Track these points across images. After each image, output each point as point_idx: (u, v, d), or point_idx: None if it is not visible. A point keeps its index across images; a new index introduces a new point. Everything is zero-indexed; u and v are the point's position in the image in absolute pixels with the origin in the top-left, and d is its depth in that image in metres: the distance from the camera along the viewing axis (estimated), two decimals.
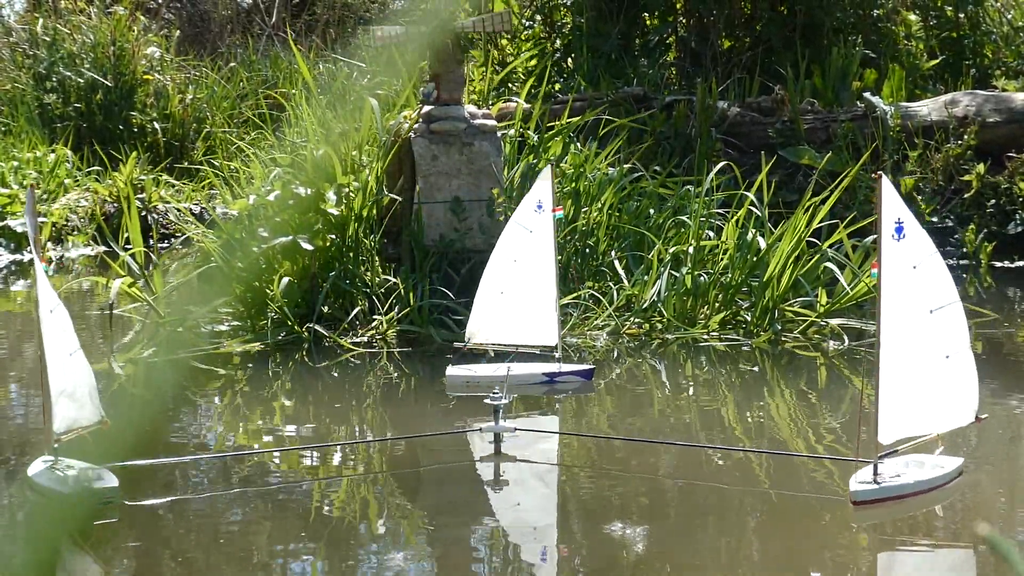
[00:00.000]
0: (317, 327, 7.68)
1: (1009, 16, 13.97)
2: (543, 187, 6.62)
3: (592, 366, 6.78)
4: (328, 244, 8.01)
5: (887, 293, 4.75)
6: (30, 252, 12.12)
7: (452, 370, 6.74)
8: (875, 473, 4.79)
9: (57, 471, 4.90)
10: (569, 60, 13.81)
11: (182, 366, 7.30)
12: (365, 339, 7.74)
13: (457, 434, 5.85)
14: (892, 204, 4.76)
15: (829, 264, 8.25)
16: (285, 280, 7.77)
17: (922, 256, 4.82)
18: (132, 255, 8.89)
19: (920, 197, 10.93)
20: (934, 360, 4.82)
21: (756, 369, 7.32)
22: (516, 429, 5.69)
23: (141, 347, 7.73)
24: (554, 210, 6.54)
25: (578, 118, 9.71)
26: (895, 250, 4.77)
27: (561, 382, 6.63)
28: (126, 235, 10.28)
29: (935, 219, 10.95)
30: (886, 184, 4.75)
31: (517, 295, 6.63)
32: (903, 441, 4.88)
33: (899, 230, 4.77)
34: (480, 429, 5.62)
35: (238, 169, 9.90)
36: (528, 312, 6.63)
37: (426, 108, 8.18)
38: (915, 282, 4.80)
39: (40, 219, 12.50)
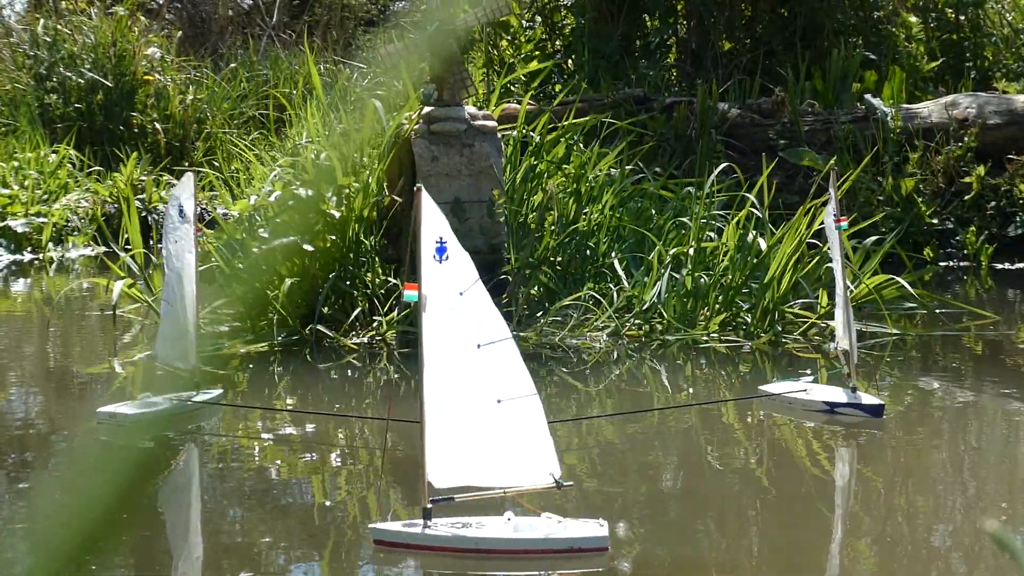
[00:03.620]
0: (320, 327, 7.67)
1: (1009, 18, 13.97)
2: (832, 194, 6.32)
3: (881, 402, 6.09)
4: (328, 245, 8.01)
5: (431, 320, 4.21)
6: (30, 252, 12.15)
7: (764, 387, 6.46)
8: (425, 517, 4.27)
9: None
10: (570, 61, 13.81)
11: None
12: (366, 340, 7.74)
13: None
14: (433, 221, 4.23)
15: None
16: (288, 282, 7.76)
17: (467, 282, 4.23)
18: (132, 256, 8.90)
19: (920, 199, 10.93)
20: (484, 403, 4.24)
21: (758, 372, 7.32)
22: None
23: (141, 348, 7.72)
24: (838, 221, 6.18)
25: (581, 120, 9.71)
26: (438, 273, 4.21)
27: (842, 413, 6.11)
28: (126, 236, 10.27)
29: (935, 221, 10.96)
30: (426, 199, 4.24)
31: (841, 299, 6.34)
32: (467, 489, 4.31)
33: (441, 250, 4.20)
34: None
35: (238, 170, 9.91)
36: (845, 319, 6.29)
37: (426, 109, 8.17)
38: (462, 311, 4.23)
39: (40, 219, 12.51)
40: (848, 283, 6.28)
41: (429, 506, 4.28)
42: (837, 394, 6.16)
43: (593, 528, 4.29)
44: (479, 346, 4.23)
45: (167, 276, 6.11)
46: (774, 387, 6.40)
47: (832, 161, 6.77)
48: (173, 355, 6.15)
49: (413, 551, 4.29)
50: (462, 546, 4.25)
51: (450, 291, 4.21)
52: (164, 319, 6.22)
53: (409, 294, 4.22)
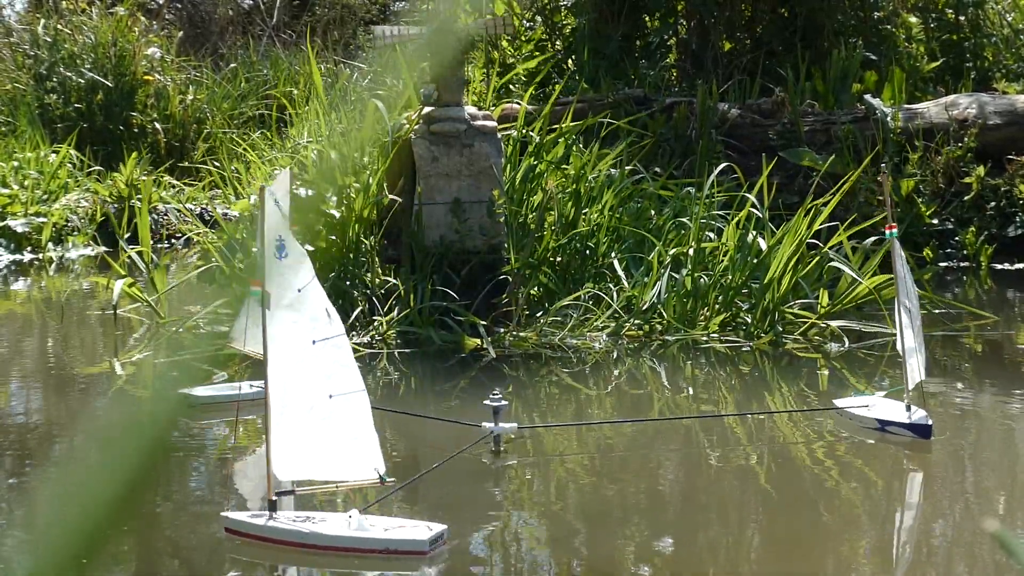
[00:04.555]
0: None
1: (1009, 19, 13.97)
2: (887, 200, 6.06)
3: (929, 423, 5.72)
4: (328, 245, 8.02)
5: (273, 316, 4.33)
6: (30, 252, 12.15)
7: (836, 400, 6.26)
8: (270, 509, 4.43)
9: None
10: (570, 61, 13.81)
11: (182, 367, 7.29)
12: (366, 339, 7.74)
13: (455, 425, 5.84)
14: (273, 220, 4.32)
15: (836, 264, 8.24)
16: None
17: (305, 279, 4.34)
18: (140, 254, 8.94)
19: (920, 199, 10.93)
20: (318, 398, 4.37)
21: (756, 372, 7.32)
22: (520, 427, 5.71)
23: (142, 348, 7.73)
24: (887, 228, 5.93)
25: (580, 121, 9.70)
26: (279, 270, 4.32)
27: (891, 431, 5.82)
28: (127, 235, 10.27)
29: (935, 221, 10.96)
30: (267, 198, 4.32)
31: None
32: (308, 483, 4.49)
33: (280, 248, 4.31)
34: (481, 426, 5.63)
35: (238, 170, 9.91)
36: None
37: (426, 109, 8.18)
38: (300, 307, 4.35)
39: (40, 219, 12.51)
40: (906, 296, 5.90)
41: (274, 498, 4.43)
42: (891, 411, 5.87)
43: (419, 531, 4.38)
44: (314, 342, 4.36)
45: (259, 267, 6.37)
46: (843, 401, 6.20)
47: (884, 166, 6.67)
48: (256, 341, 6.40)
49: (256, 541, 4.43)
50: (290, 539, 4.40)
51: (290, 288, 4.34)
52: (247, 306, 6.46)
53: (254, 291, 4.35)
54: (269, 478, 4.42)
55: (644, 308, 8.04)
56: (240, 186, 10.04)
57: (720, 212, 9.01)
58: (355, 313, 7.87)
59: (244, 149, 11.30)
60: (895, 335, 7.89)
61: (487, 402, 5.60)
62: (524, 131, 9.23)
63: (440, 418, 6.08)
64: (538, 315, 8.07)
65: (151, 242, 10.50)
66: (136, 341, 8.19)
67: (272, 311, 4.33)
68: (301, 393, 4.37)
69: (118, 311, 8.60)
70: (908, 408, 5.79)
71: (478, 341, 7.61)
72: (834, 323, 7.97)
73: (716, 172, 9.20)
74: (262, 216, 4.32)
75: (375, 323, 7.85)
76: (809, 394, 6.87)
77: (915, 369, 5.78)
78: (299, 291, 4.34)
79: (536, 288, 8.27)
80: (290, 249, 4.31)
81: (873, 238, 8.87)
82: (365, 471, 4.41)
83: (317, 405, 4.37)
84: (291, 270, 4.32)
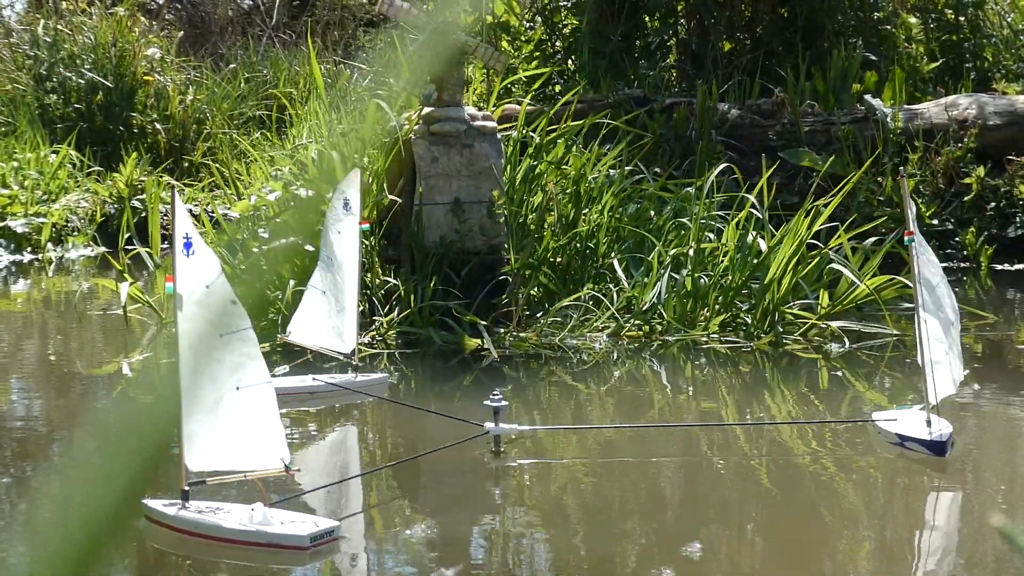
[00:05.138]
0: None
1: (1009, 19, 13.98)
2: (906, 204, 5.79)
3: (942, 440, 5.51)
4: None
5: (184, 310, 4.45)
6: (30, 252, 12.14)
7: (875, 414, 6.04)
8: (183, 498, 4.60)
9: None
10: (570, 62, 13.82)
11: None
12: (367, 340, 7.74)
13: (458, 423, 5.85)
14: (181, 218, 4.47)
15: (835, 265, 8.24)
16: (292, 283, 7.75)
17: (212, 275, 4.48)
18: (148, 254, 8.97)
19: (920, 200, 10.94)
20: (226, 390, 4.51)
21: (756, 372, 7.32)
22: (519, 427, 5.72)
23: (144, 349, 7.72)
24: (907, 234, 5.61)
25: (578, 123, 9.70)
26: (187, 266, 4.47)
27: (909, 447, 5.61)
28: (126, 237, 10.28)
29: (935, 221, 10.96)
30: (176, 198, 4.45)
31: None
32: (220, 473, 4.59)
33: (187, 246, 4.46)
34: (482, 425, 5.63)
35: (238, 171, 9.91)
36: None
37: (426, 109, 8.17)
38: (208, 303, 4.48)
39: (40, 220, 12.51)
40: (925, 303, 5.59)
41: (186, 488, 4.58)
42: (913, 427, 5.67)
43: (305, 527, 4.49)
44: (222, 335, 4.53)
45: (321, 263, 6.53)
46: (878, 414, 6.00)
47: (902, 169, 6.58)
48: (317, 336, 6.59)
49: (167, 530, 4.57)
50: (190, 529, 4.55)
51: (198, 283, 4.47)
52: (307, 302, 6.60)
53: (168, 286, 4.49)
54: (183, 469, 4.56)
55: (644, 308, 8.04)
56: (241, 186, 10.04)
57: (720, 212, 9.01)
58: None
59: (246, 148, 11.31)
60: (895, 336, 7.93)
61: (487, 402, 5.60)
62: (524, 131, 9.23)
63: (445, 415, 6.09)
64: (538, 315, 8.07)
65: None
66: (141, 342, 8.18)
67: (182, 307, 4.45)
68: (210, 385, 4.51)
69: (118, 311, 8.60)
70: (928, 423, 5.59)
71: (479, 341, 7.61)
72: (834, 324, 7.98)
73: (715, 172, 9.20)
74: (172, 214, 4.47)
75: (375, 323, 7.85)
76: (810, 394, 6.87)
77: (940, 383, 5.57)
78: (207, 287, 4.47)
79: (536, 288, 8.27)
80: (197, 247, 4.46)
81: (873, 238, 8.87)
82: (272, 461, 4.55)
83: (225, 397, 4.51)
84: (199, 266, 4.46)
